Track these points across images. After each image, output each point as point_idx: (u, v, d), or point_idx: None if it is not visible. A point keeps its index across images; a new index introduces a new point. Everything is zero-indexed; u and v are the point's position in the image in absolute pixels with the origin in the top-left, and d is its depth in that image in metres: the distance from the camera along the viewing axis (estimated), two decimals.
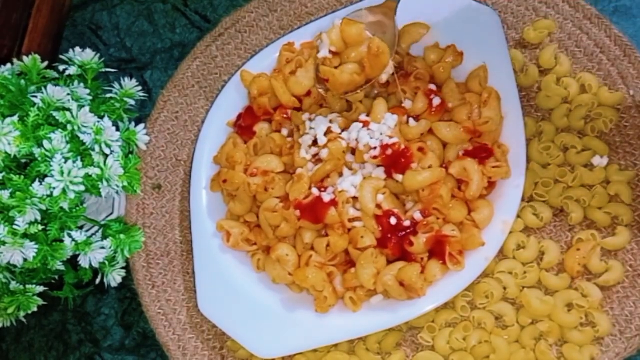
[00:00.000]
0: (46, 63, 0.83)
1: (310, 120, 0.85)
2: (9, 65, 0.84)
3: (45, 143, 0.74)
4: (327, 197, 0.82)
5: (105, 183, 0.76)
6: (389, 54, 0.81)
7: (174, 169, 0.95)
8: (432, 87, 0.85)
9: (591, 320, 0.81)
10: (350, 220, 0.81)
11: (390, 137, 0.81)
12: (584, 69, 0.88)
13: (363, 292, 0.82)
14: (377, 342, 0.84)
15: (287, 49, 0.90)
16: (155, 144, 0.95)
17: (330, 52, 0.83)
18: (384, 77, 0.83)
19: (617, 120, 0.86)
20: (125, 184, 0.78)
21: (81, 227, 0.82)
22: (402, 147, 0.81)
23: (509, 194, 0.82)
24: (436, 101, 0.83)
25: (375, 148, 0.81)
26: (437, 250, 0.80)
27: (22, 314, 0.83)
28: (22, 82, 0.80)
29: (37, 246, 0.75)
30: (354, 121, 0.84)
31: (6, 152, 0.73)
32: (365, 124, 0.82)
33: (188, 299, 0.91)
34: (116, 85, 0.85)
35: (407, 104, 0.84)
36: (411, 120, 0.83)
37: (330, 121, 0.84)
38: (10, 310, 0.81)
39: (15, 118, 0.75)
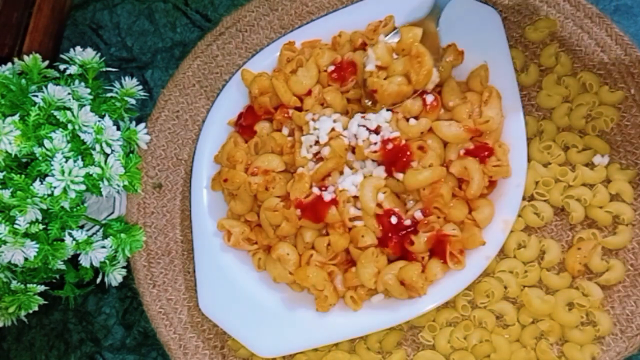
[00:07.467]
0: (47, 62, 0.83)
1: (314, 120, 0.85)
2: (9, 65, 0.83)
3: (46, 142, 0.74)
4: (327, 196, 0.82)
5: (105, 182, 0.76)
6: (431, 62, 0.82)
7: (174, 168, 0.95)
8: None
9: (592, 319, 0.81)
10: (350, 219, 0.81)
11: (391, 132, 0.81)
12: (584, 67, 0.88)
13: (364, 291, 0.82)
14: (377, 341, 0.84)
15: (287, 48, 0.90)
16: (156, 143, 0.95)
17: (377, 66, 0.84)
18: (430, 87, 0.84)
19: (618, 119, 0.86)
20: (126, 183, 0.78)
21: (82, 227, 0.82)
22: (403, 142, 0.81)
23: (509, 193, 0.82)
24: (429, 98, 0.83)
25: (375, 143, 0.81)
26: (438, 249, 0.80)
27: (23, 313, 0.83)
28: (23, 81, 0.80)
29: (37, 245, 0.75)
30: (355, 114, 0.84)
31: (7, 152, 0.73)
32: (364, 118, 0.83)
33: (189, 298, 0.91)
34: (117, 84, 0.85)
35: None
36: (411, 119, 0.83)
37: (334, 121, 0.84)
38: (11, 310, 0.81)
39: (16, 117, 0.75)
